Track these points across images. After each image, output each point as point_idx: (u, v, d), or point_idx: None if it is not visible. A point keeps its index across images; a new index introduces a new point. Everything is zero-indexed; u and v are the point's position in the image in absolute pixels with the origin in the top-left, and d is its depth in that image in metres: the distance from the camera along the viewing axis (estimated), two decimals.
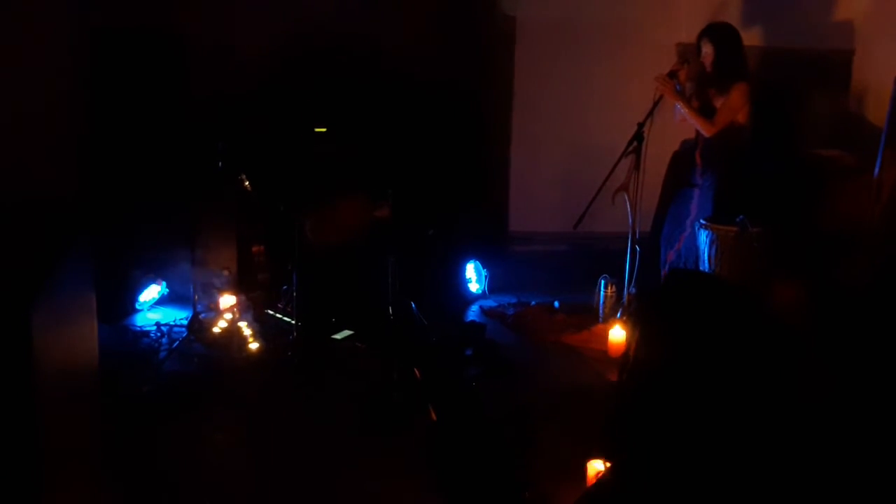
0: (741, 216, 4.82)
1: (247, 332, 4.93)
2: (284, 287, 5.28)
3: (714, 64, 4.95)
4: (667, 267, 5.27)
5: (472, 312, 5.63)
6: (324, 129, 4.93)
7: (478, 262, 5.92)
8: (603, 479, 3.11)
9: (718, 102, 4.96)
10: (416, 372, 4.31)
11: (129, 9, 5.30)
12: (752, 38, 5.84)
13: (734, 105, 4.89)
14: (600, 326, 5.19)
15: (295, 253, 4.83)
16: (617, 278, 5.29)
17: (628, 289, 5.12)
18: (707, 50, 4.95)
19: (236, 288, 5.31)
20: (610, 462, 3.11)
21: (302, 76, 5.51)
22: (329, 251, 5.08)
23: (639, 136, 4.87)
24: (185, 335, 5.00)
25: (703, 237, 4.92)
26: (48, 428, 2.21)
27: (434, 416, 3.88)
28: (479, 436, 3.81)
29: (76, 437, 2.65)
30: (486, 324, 5.26)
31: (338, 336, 5.01)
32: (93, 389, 2.90)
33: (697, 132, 5.08)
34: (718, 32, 4.95)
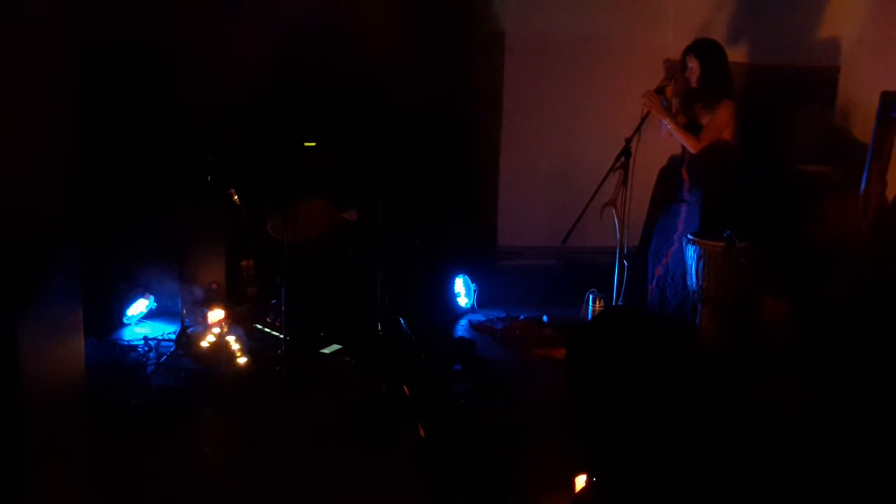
0: (728, 231, 4.85)
1: (235, 346, 4.92)
2: (273, 301, 5.28)
3: (700, 80, 4.99)
4: (654, 281, 5.30)
5: (461, 327, 5.63)
6: (313, 144, 4.93)
7: (467, 276, 5.93)
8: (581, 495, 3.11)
9: (705, 119, 5.00)
10: (406, 389, 4.31)
11: (118, 21, 5.30)
12: (738, 54, 5.88)
13: (720, 122, 4.94)
14: None
15: (284, 267, 4.82)
16: (605, 293, 5.30)
17: (616, 303, 5.13)
18: (693, 66, 4.99)
19: (225, 302, 5.30)
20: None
21: (290, 89, 5.52)
22: (302, 253, 5.03)
23: (626, 152, 4.89)
24: (173, 349, 4.98)
25: (691, 252, 4.94)
26: (34, 442, 2.20)
27: (423, 433, 3.87)
28: (468, 450, 3.81)
29: (63, 452, 2.64)
30: (476, 340, 5.25)
31: (326, 350, 5.01)
32: (80, 404, 2.89)
33: (684, 148, 5.11)
34: (704, 49, 4.99)
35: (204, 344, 4.99)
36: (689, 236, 4.98)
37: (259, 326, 5.28)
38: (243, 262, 5.53)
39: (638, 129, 4.90)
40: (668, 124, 5.01)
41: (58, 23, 4.95)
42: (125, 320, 5.41)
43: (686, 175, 5.14)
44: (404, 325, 5.08)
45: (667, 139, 5.17)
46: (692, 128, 5.02)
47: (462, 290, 5.91)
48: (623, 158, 4.91)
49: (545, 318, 5.60)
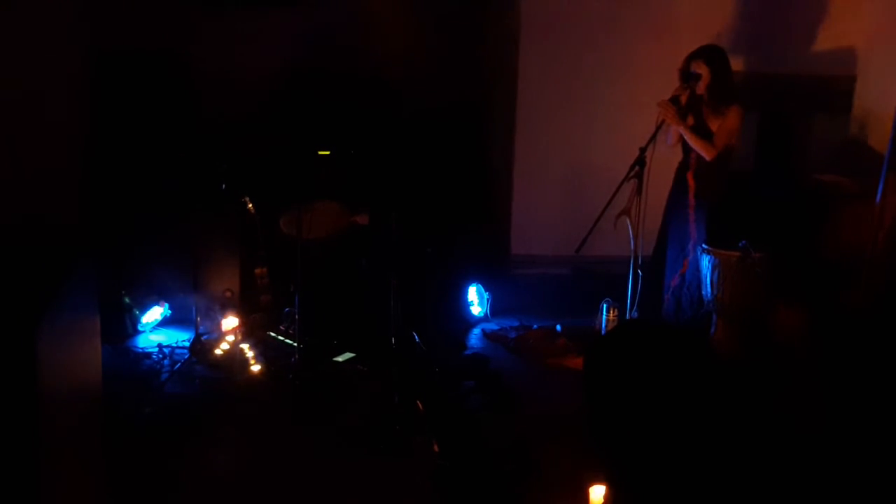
0: (743, 241, 4.83)
1: (249, 353, 4.93)
2: (287, 309, 5.28)
3: (709, 87, 4.98)
4: (670, 291, 5.27)
5: (474, 336, 5.62)
6: (327, 153, 4.94)
7: (480, 284, 5.92)
8: None
9: (714, 125, 4.99)
10: (419, 404, 4.30)
11: (134, 31, 5.34)
12: (754, 63, 5.87)
13: (731, 127, 4.94)
14: None
15: (297, 275, 4.83)
16: (619, 302, 5.28)
17: (630, 312, 5.12)
18: (702, 72, 4.97)
19: (239, 310, 5.32)
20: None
21: (305, 99, 5.54)
22: (315, 259, 5.03)
23: (641, 161, 4.88)
24: (187, 357, 4.99)
25: (706, 262, 4.93)
26: (51, 449, 2.21)
27: (437, 448, 3.87)
28: (481, 465, 3.80)
29: (80, 459, 2.64)
30: (490, 355, 5.20)
31: (339, 358, 5.01)
32: (96, 411, 2.90)
33: (689, 154, 5.10)
34: (712, 55, 4.98)
35: (218, 351, 5.00)
36: (704, 246, 4.96)
37: (272, 334, 5.29)
38: (257, 270, 5.54)
39: (653, 138, 4.88)
40: (683, 133, 5.00)
41: (75, 32, 4.98)
42: (140, 328, 5.43)
43: (692, 181, 5.13)
44: (417, 340, 5.07)
45: (674, 146, 5.17)
46: (700, 132, 5.00)
47: (475, 299, 5.90)
48: (637, 168, 4.89)
49: (559, 327, 5.59)
